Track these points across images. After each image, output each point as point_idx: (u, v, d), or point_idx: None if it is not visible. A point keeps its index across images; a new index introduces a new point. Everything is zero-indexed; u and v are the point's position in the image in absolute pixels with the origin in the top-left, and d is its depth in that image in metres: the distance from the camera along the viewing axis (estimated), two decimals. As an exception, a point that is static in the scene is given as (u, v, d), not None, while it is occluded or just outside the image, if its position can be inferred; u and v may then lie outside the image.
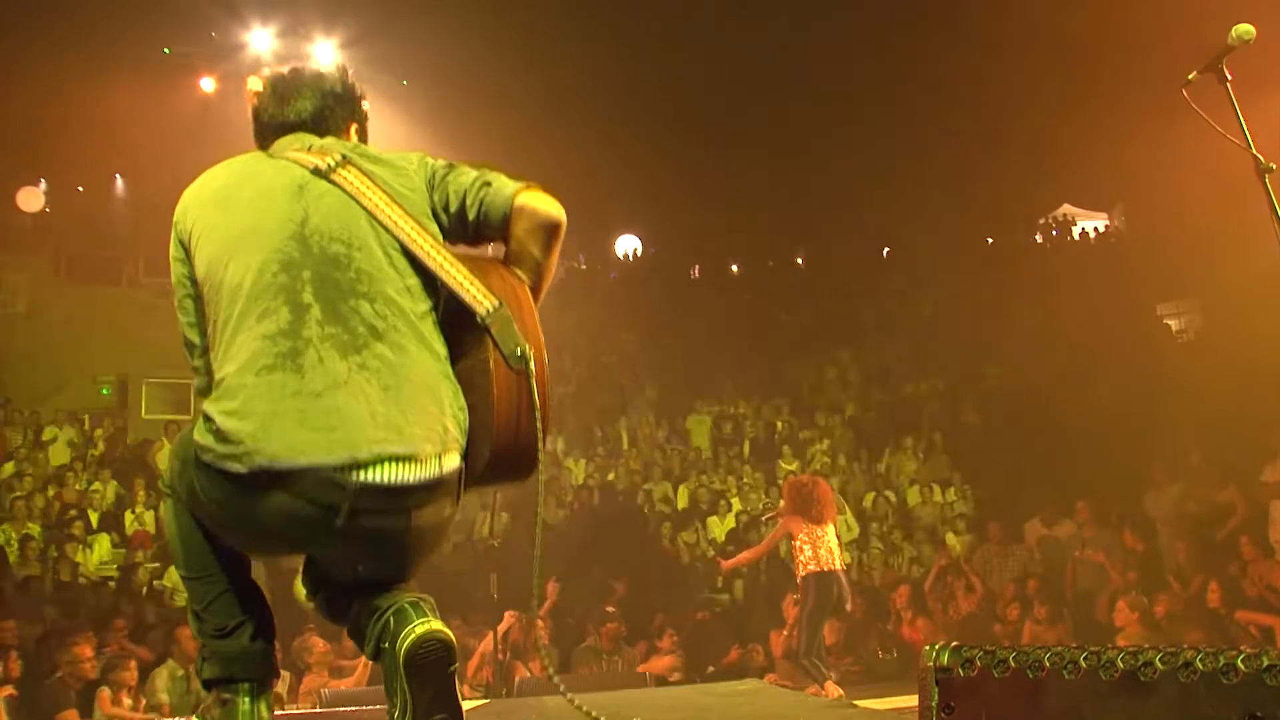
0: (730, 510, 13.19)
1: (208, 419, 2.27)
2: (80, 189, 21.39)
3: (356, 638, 2.43)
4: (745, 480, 14.37)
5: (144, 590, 10.33)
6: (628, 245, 27.74)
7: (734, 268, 25.95)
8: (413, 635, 2.22)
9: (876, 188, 22.91)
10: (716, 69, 22.31)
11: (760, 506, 12.48)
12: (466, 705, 2.41)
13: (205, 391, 2.45)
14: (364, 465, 2.20)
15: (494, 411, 2.34)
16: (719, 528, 12.87)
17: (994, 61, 19.36)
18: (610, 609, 10.31)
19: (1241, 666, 1.17)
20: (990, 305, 19.53)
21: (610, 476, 14.38)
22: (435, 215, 2.48)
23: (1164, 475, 11.65)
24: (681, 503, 13.71)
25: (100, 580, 10.91)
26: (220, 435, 2.24)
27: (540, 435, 2.40)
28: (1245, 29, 3.66)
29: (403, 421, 2.25)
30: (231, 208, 2.40)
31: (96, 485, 12.53)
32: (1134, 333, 17.62)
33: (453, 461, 2.32)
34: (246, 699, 2.50)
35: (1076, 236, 26.53)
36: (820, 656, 8.31)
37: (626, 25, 21.44)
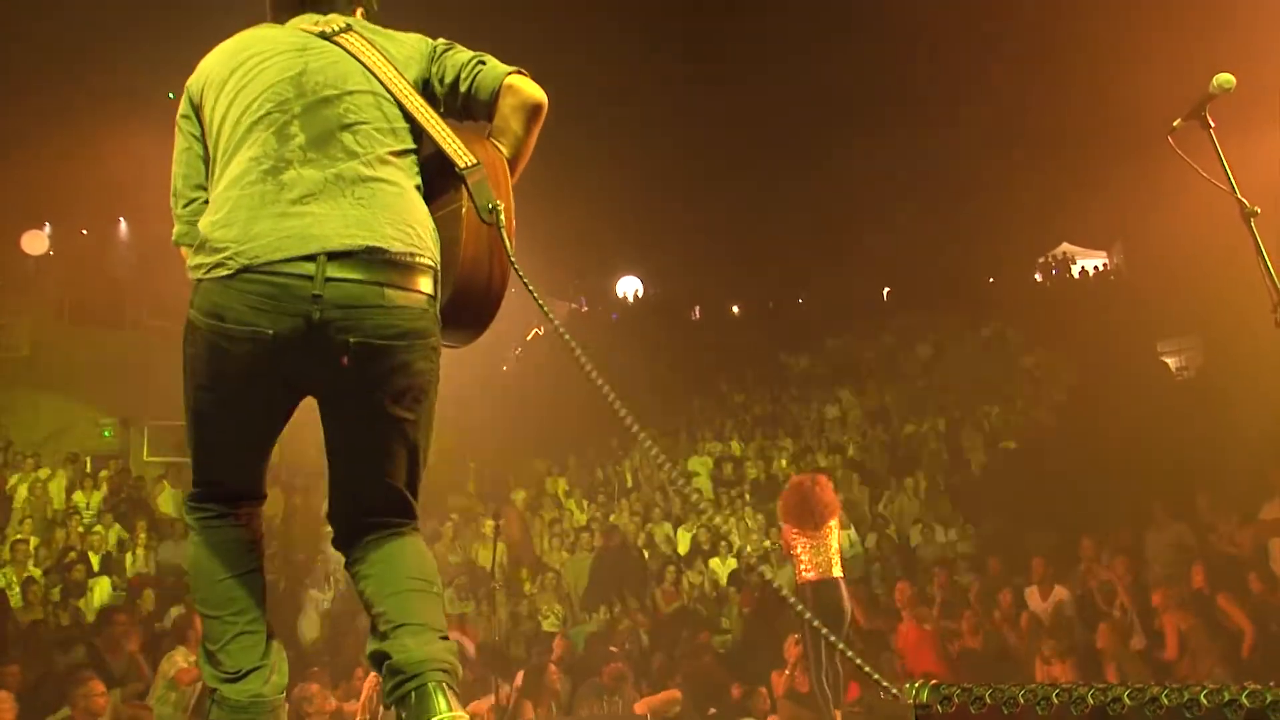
0: (731, 551, 13.18)
1: (200, 244, 2.40)
2: (84, 232, 21.55)
3: (374, 664, 2.46)
4: (748, 521, 14.37)
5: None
6: (629, 287, 27.89)
7: (735, 309, 26.06)
8: None
9: (877, 229, 23.07)
10: (717, 113, 22.53)
11: (762, 547, 12.46)
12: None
13: (179, 238, 2.61)
14: (336, 254, 2.32)
15: (461, 254, 2.48)
16: (721, 569, 12.85)
17: (994, 103, 19.56)
18: (613, 649, 10.31)
19: (1204, 701, 1.21)
20: (991, 344, 19.61)
21: (612, 518, 14.38)
22: (430, 86, 2.65)
23: (1164, 514, 11.64)
24: (682, 546, 13.71)
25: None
26: (208, 248, 2.36)
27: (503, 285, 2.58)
28: (1225, 78, 3.75)
29: (375, 223, 2.38)
30: (239, 64, 2.57)
31: (98, 528, 12.54)
32: (1134, 371, 17.64)
33: (425, 260, 2.43)
34: None
35: (1076, 275, 26.65)
36: (832, 674, 7.96)
37: (626, 70, 21.66)
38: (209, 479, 2.60)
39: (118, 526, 12.72)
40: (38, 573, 11.26)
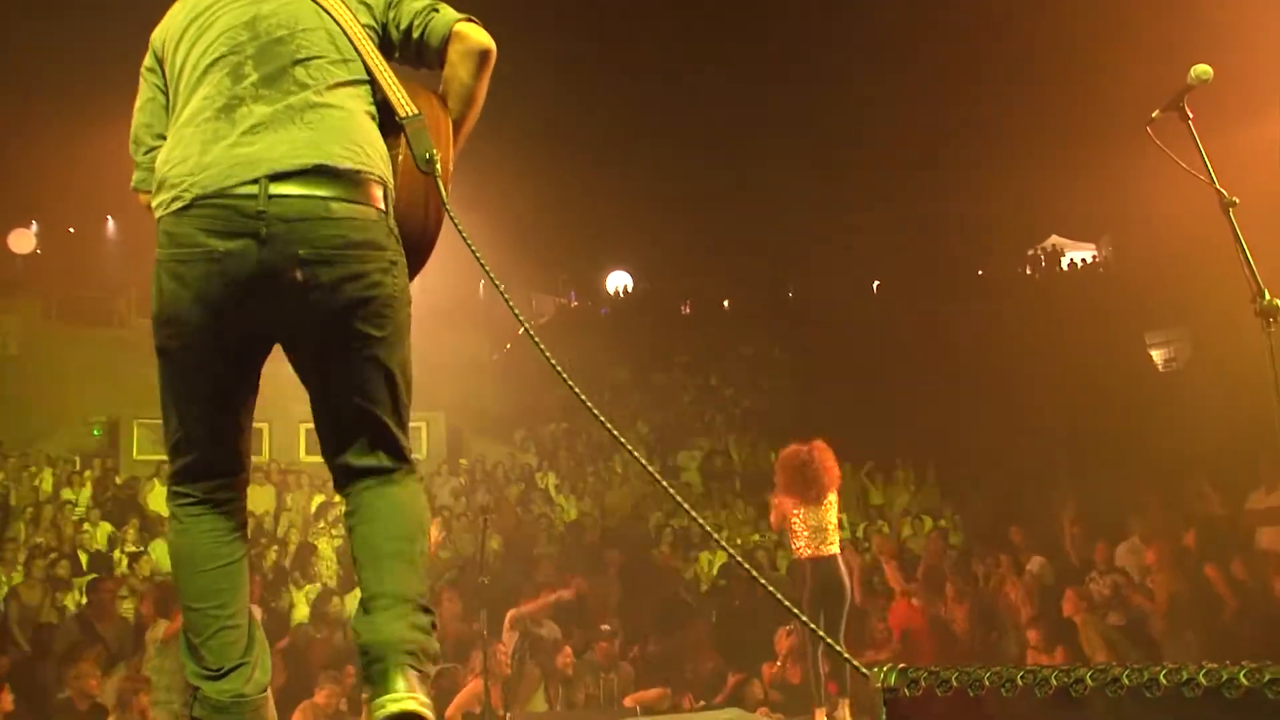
0: (717, 546, 13.18)
1: (159, 183, 2.44)
2: (71, 230, 21.51)
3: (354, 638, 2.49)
4: (738, 515, 14.40)
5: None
6: (619, 281, 27.90)
7: (725, 303, 26.08)
8: (384, 711, 2.27)
9: (867, 223, 23.10)
10: (707, 107, 22.53)
11: (751, 541, 12.47)
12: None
13: (138, 184, 2.68)
14: (282, 174, 2.36)
15: (394, 198, 2.53)
16: (713, 560, 12.88)
17: (982, 93, 19.59)
18: (605, 626, 10.34)
19: (1164, 681, 1.23)
20: (980, 337, 19.65)
21: (600, 512, 14.41)
22: (386, 31, 2.69)
23: (1156, 503, 11.69)
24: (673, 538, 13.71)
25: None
26: (166, 184, 2.41)
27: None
28: (1203, 69, 3.77)
29: (322, 143, 2.42)
30: (197, 14, 2.62)
31: (86, 526, 12.50)
32: (1123, 362, 17.70)
33: (374, 175, 2.46)
34: None
35: (1065, 267, 26.71)
36: (827, 662, 7.59)
37: (618, 65, 21.66)
38: (184, 451, 2.57)
39: (106, 524, 12.69)
40: (23, 573, 11.22)
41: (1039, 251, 27.66)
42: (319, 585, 11.16)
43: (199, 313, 2.41)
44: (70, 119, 16.53)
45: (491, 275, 2.61)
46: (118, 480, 14.81)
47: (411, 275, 2.61)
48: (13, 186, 17.55)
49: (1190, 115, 3.87)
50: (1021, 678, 1.32)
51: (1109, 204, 21.76)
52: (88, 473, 14.84)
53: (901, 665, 1.42)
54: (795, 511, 7.81)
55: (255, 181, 2.34)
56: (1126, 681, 1.25)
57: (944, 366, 18.20)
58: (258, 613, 9.62)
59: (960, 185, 21.58)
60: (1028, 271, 26.60)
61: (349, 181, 2.41)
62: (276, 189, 2.34)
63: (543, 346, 2.62)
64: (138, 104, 2.71)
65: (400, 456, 2.57)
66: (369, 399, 2.50)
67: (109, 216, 21.45)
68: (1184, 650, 8.50)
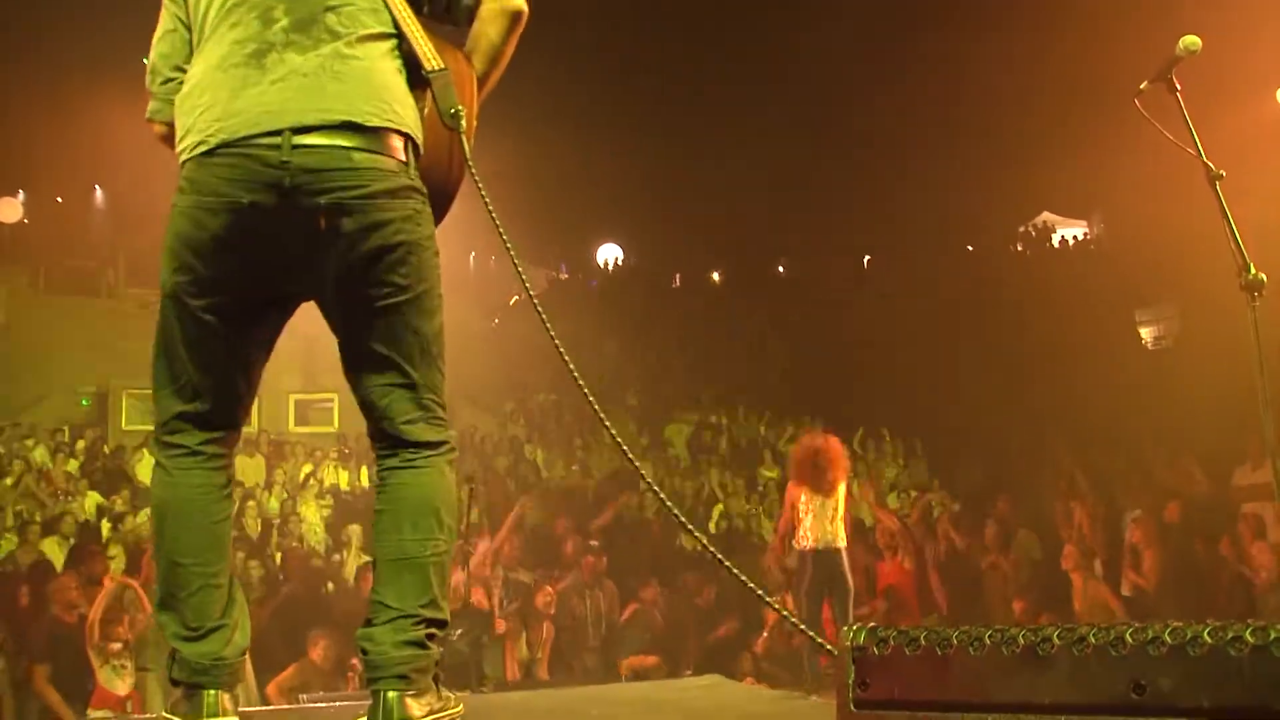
0: (710, 515, 13.23)
1: (187, 128, 2.41)
2: (59, 200, 21.38)
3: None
4: (726, 487, 14.42)
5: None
6: (609, 254, 27.84)
7: (715, 276, 26.05)
8: None
9: (858, 197, 23.07)
10: (699, 80, 22.44)
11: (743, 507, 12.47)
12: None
13: (153, 114, 2.63)
14: (306, 127, 2.35)
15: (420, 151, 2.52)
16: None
17: (974, 69, 19.52)
18: (593, 542, 10.40)
19: (1129, 639, 1.24)
20: (970, 313, 19.67)
21: (588, 480, 14.43)
22: None
23: (1143, 480, 11.75)
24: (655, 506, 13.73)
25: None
26: (192, 129, 2.39)
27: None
28: (1192, 40, 3.74)
29: (350, 96, 2.40)
30: None
31: (75, 497, 12.49)
32: (1113, 339, 17.73)
33: (398, 128, 2.44)
34: (213, 695, 2.47)
35: (1056, 244, 26.69)
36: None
37: (609, 36, 21.55)
38: (181, 398, 2.53)
39: (95, 494, 12.68)
40: (14, 541, 11.22)
41: (1030, 228, 27.62)
42: (305, 546, 11.25)
43: (218, 259, 2.39)
44: (59, 88, 16.43)
45: (505, 238, 2.61)
46: (106, 450, 14.80)
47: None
48: (0, 155, 17.44)
49: (1178, 87, 3.85)
50: (989, 637, 1.33)
51: (1100, 180, 21.72)
52: (78, 443, 14.84)
53: (871, 625, 1.42)
54: (804, 500, 7.88)
55: (279, 133, 2.33)
56: (1093, 640, 1.26)
57: (934, 342, 18.22)
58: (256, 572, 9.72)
59: (952, 161, 21.53)
60: (1019, 248, 26.58)
61: (373, 134, 2.40)
62: (300, 139, 2.33)
63: (544, 316, 2.62)
64: (157, 34, 2.66)
65: (432, 419, 2.55)
66: (398, 353, 2.48)
67: (97, 186, 21.33)
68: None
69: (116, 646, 7.85)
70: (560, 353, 2.58)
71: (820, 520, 7.81)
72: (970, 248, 25.27)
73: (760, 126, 23.05)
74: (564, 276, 24.78)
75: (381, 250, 2.40)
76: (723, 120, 23.47)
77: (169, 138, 2.57)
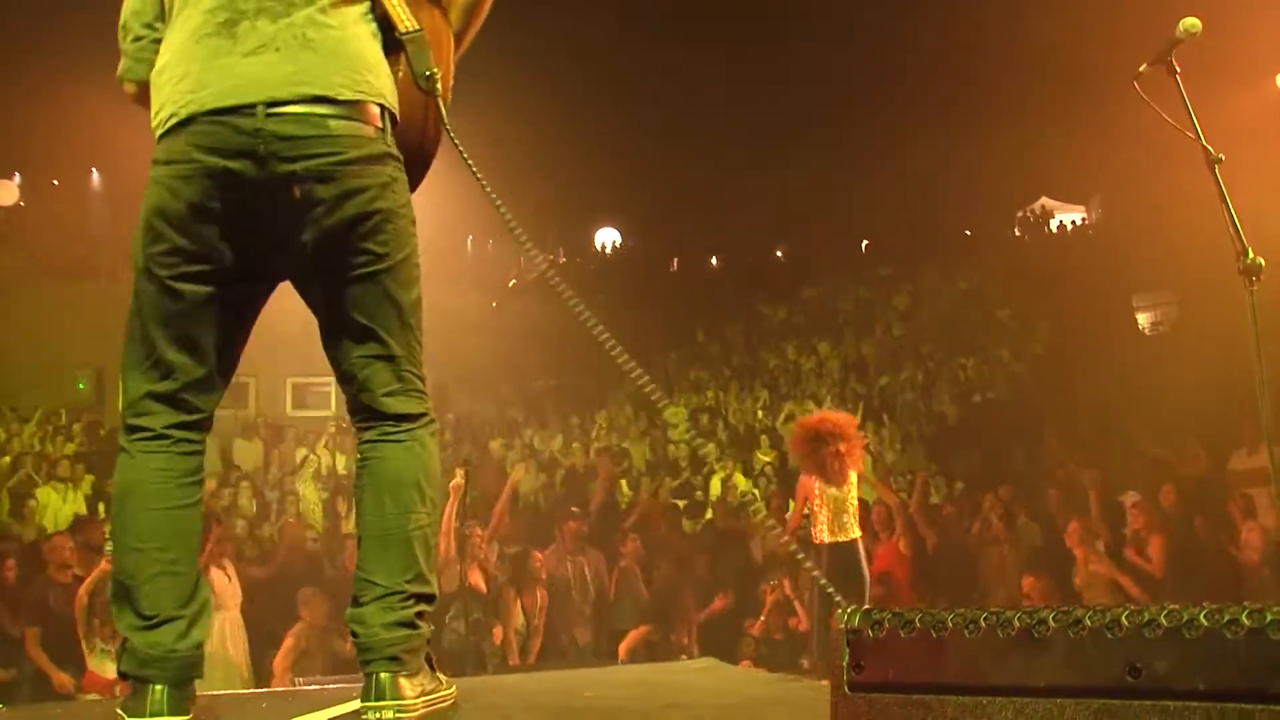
0: (707, 499, 13.24)
1: (161, 102, 2.39)
2: (55, 183, 21.32)
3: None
4: (723, 471, 14.41)
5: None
6: (607, 237, 27.79)
7: (713, 260, 26.03)
8: (365, 717, 2.35)
9: (856, 181, 23.03)
10: (698, 64, 22.37)
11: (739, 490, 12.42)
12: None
13: (124, 73, 2.59)
14: (282, 101, 2.33)
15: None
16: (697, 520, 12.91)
17: (973, 54, 19.49)
18: (574, 508, 10.41)
19: (1125, 622, 1.23)
20: (968, 298, 19.68)
21: (585, 461, 14.44)
22: None
23: (1141, 465, 11.77)
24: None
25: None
26: (166, 103, 2.37)
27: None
28: (1191, 22, 3.73)
29: (325, 70, 2.37)
30: None
31: (71, 481, 12.49)
32: (1110, 325, 17.73)
33: (374, 98, 2.42)
34: (161, 689, 2.34)
35: (1054, 229, 26.67)
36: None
37: (611, 19, 21.47)
38: (150, 377, 2.45)
39: (92, 477, 12.68)
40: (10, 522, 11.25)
41: (1028, 213, 27.60)
42: (302, 522, 11.31)
43: (193, 229, 2.35)
44: (55, 71, 16.36)
45: (496, 200, 2.59)
46: (102, 433, 14.80)
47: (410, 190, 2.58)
48: (-4, 138, 17.40)
49: (1178, 69, 3.83)
50: (985, 619, 1.33)
51: (1099, 166, 21.71)
52: (75, 425, 14.84)
53: (866, 607, 1.42)
54: (816, 492, 7.54)
55: (252, 107, 2.30)
56: (1089, 623, 1.25)
57: (930, 327, 18.24)
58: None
59: (950, 146, 21.47)
60: (1017, 233, 26.57)
61: (349, 104, 2.38)
62: (275, 110, 2.31)
63: (562, 286, 2.65)
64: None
65: (411, 391, 2.52)
66: (376, 324, 2.46)
67: (94, 169, 21.26)
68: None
69: (107, 630, 7.85)
70: (588, 322, 2.58)
71: (834, 511, 7.48)
72: (968, 232, 25.24)
73: (758, 111, 23.02)
74: (562, 260, 24.72)
75: (358, 218, 2.38)
76: (721, 105, 23.42)
77: (141, 98, 2.55)
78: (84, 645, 7.88)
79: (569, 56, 20.21)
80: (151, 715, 2.30)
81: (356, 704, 2.39)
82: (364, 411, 2.52)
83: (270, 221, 2.37)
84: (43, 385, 16.68)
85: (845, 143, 22.53)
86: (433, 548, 2.53)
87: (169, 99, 2.37)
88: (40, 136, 17.83)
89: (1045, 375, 15.96)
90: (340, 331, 2.49)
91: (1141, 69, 3.89)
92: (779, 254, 25.99)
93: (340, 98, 2.36)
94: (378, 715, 2.34)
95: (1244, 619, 1.18)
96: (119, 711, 2.35)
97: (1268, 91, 15.66)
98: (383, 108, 2.44)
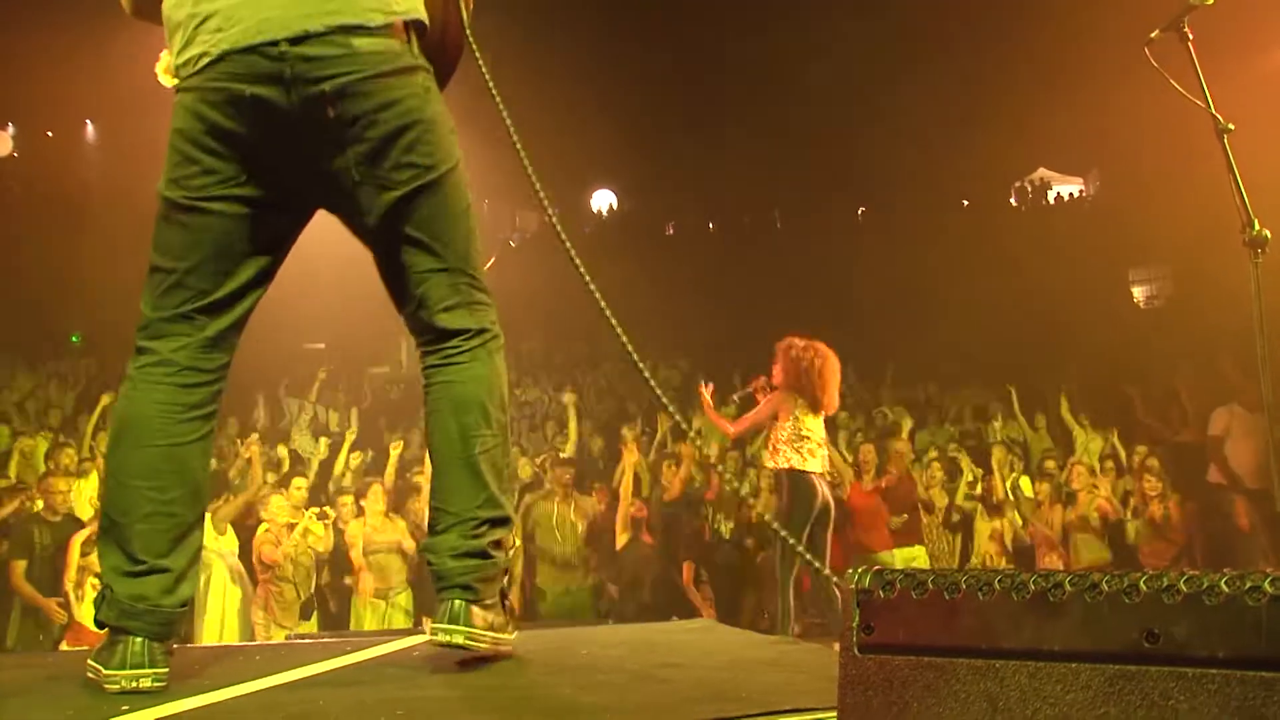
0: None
1: (187, 41, 2.33)
2: (50, 134, 21.16)
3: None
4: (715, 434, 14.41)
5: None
6: (603, 200, 27.69)
7: (710, 225, 25.95)
8: (434, 638, 2.37)
9: (854, 148, 22.93)
10: (695, 27, 22.21)
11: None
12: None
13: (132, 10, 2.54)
14: (315, 34, 2.28)
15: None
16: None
17: (972, 22, 19.36)
18: (563, 455, 10.42)
19: (1143, 586, 1.22)
20: (964, 268, 19.62)
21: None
22: None
23: (1133, 435, 11.83)
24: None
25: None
26: (191, 42, 2.32)
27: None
28: (1205, -11, 3.69)
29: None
30: None
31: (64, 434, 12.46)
32: (1105, 298, 17.74)
33: (399, 14, 2.38)
34: (140, 641, 2.23)
35: (1052, 201, 26.62)
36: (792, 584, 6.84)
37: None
38: (165, 302, 2.37)
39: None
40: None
41: (1026, 184, 27.53)
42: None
43: (220, 152, 2.31)
44: (50, 20, 16.18)
45: (514, 135, 2.57)
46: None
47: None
48: (-11, 88, 17.25)
49: (1190, 36, 3.79)
50: (999, 581, 1.31)
51: (1099, 136, 21.65)
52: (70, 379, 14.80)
53: (877, 568, 1.40)
54: (790, 414, 7.16)
55: (276, 43, 2.25)
56: (1106, 587, 1.24)
57: (927, 297, 18.21)
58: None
59: (949, 114, 21.39)
60: (1013, 203, 26.51)
61: (380, 28, 2.34)
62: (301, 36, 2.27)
63: (568, 242, 2.71)
64: None
65: (472, 305, 2.49)
66: (429, 235, 2.41)
67: (88, 121, 21.10)
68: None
69: (96, 579, 7.82)
70: (591, 290, 2.60)
71: (804, 438, 7.05)
72: (966, 202, 25.18)
73: (757, 77, 22.85)
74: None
75: (398, 130, 2.33)
76: (719, 70, 23.27)
77: (144, 9, 2.49)
78: (71, 595, 7.86)
79: (565, 20, 20.03)
80: (131, 667, 2.19)
81: (418, 638, 2.43)
82: (426, 331, 2.48)
83: (306, 148, 2.32)
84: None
85: (843, 110, 22.39)
86: (503, 469, 2.50)
87: (196, 39, 2.31)
88: (34, 87, 17.66)
89: (1040, 347, 15.95)
90: (394, 251, 2.43)
91: (1153, 35, 3.86)
92: (776, 222, 25.92)
93: (372, 24, 2.31)
94: (449, 638, 2.33)
95: (1266, 586, 1.16)
96: (91, 663, 2.26)
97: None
98: (408, 22, 2.39)
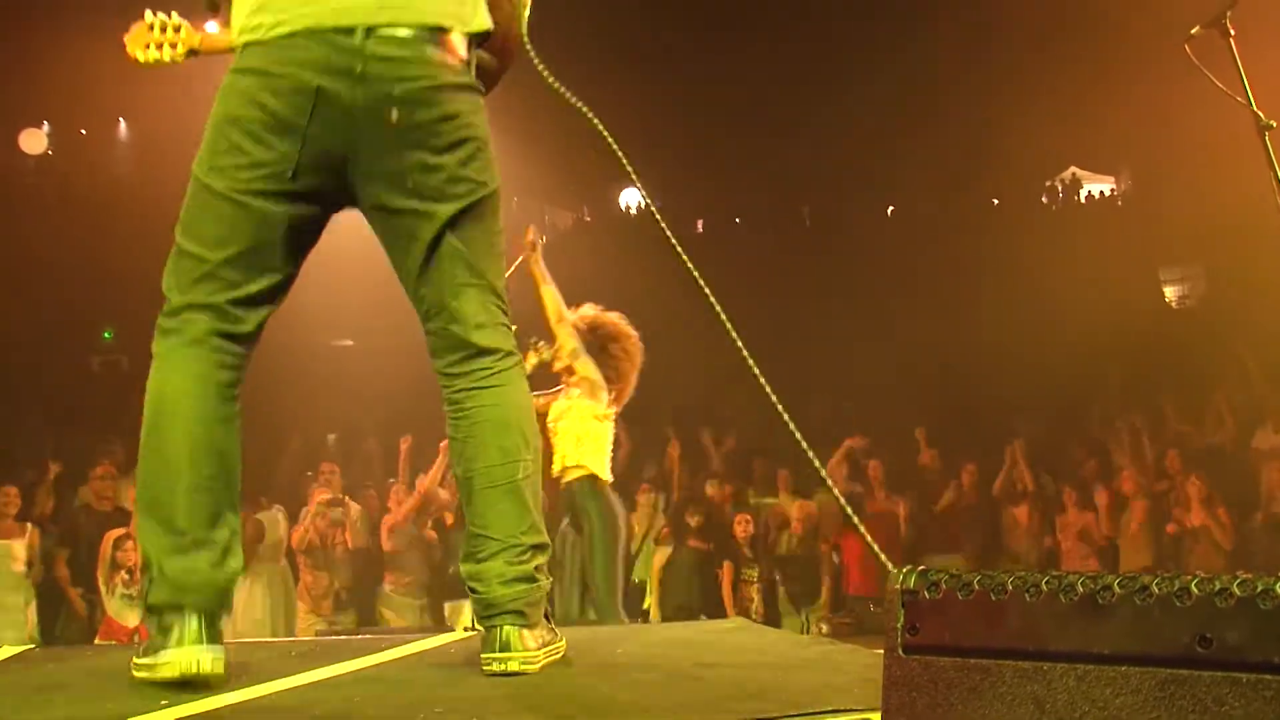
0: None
1: (256, 8, 2.32)
2: (83, 132, 21.30)
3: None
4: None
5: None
6: (632, 198, 27.65)
7: (738, 222, 25.90)
8: (488, 669, 2.35)
9: (883, 146, 22.83)
10: (723, 24, 22.18)
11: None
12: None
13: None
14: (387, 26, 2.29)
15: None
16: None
17: (1004, 17, 19.23)
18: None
19: (1195, 590, 1.20)
20: (994, 266, 19.50)
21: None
22: None
23: (1165, 438, 11.73)
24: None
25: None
26: (264, 7, 2.30)
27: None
28: (1250, -16, 3.64)
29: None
30: None
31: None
32: (1137, 297, 17.59)
33: (465, 28, 2.41)
34: (195, 619, 2.18)
35: (1083, 199, 26.41)
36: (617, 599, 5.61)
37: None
38: (195, 289, 2.34)
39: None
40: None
41: (1057, 182, 27.33)
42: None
43: (272, 142, 2.28)
44: (83, 17, 16.29)
45: (595, 121, 2.62)
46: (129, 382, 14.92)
47: (488, 88, 2.58)
48: (24, 86, 17.35)
49: (1232, 32, 3.75)
50: (1046, 583, 1.29)
51: (1130, 135, 21.46)
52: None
53: (922, 567, 1.39)
54: (588, 393, 5.70)
55: (351, 31, 2.25)
56: (1156, 590, 1.22)
57: (955, 294, 18.12)
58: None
59: (980, 111, 21.23)
60: (1044, 201, 26.33)
61: (445, 31, 2.36)
62: (377, 31, 2.28)
63: (683, 252, 2.66)
64: None
65: (501, 326, 2.49)
66: (472, 250, 2.42)
67: (121, 118, 21.23)
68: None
69: (126, 575, 7.80)
70: (703, 290, 2.57)
71: (595, 434, 5.68)
72: (996, 200, 25.02)
73: (787, 74, 22.78)
74: (588, 219, 24.66)
75: (456, 144, 2.35)
76: (747, 66, 23.19)
77: None
78: (103, 589, 7.89)
79: (593, 19, 20.02)
80: (190, 644, 2.14)
81: (456, 635, 2.39)
82: (455, 349, 2.46)
83: (363, 149, 2.31)
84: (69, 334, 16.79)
85: (874, 107, 22.26)
86: (539, 493, 2.49)
87: (270, 5, 2.29)
88: (69, 85, 17.77)
89: (1071, 346, 15.84)
90: (435, 262, 2.41)
91: (1194, 31, 3.82)
92: (806, 220, 25.84)
93: (442, 25, 2.33)
94: (503, 666, 2.32)
95: (1322, 590, 1.14)
96: (139, 660, 2.21)
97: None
98: (470, 38, 2.41)
